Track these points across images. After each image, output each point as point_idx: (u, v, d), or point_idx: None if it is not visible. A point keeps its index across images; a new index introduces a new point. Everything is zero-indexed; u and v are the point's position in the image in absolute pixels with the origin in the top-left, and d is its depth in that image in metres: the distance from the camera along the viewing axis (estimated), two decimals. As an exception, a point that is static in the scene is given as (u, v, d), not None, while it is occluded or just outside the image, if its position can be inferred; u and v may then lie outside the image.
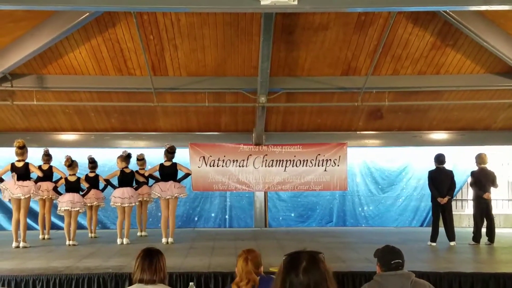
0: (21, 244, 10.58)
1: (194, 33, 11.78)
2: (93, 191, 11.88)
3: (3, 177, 10.86)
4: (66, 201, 11.10)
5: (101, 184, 12.07)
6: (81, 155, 12.73)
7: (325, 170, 14.71)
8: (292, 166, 14.73)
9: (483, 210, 11.25)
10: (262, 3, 6.75)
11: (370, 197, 15.95)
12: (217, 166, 14.63)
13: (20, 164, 10.75)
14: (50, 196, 11.81)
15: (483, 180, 11.28)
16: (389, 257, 4.50)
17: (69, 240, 10.96)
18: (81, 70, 12.71)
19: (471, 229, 11.46)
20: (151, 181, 11.90)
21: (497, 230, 11.44)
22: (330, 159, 14.69)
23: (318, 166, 14.71)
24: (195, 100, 13.69)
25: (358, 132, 15.10)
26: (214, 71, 12.86)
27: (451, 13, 10.84)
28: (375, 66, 12.29)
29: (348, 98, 13.40)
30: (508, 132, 14.90)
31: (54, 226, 13.14)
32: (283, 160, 14.74)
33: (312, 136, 14.94)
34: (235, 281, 4.65)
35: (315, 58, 12.59)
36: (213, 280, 7.50)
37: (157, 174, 11.51)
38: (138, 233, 12.65)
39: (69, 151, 12.31)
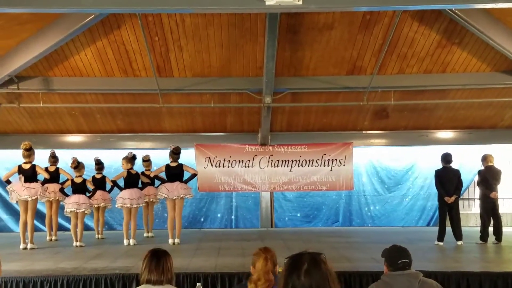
0: (29, 246, 10.59)
1: (199, 34, 11.80)
2: (100, 193, 11.91)
3: (10, 179, 10.90)
4: (72, 203, 11.14)
5: (108, 185, 12.09)
6: (87, 157, 12.77)
7: (331, 170, 14.70)
8: (298, 166, 14.72)
9: (489, 209, 11.22)
10: (267, 3, 6.74)
11: (376, 197, 15.92)
12: (223, 166, 14.64)
13: (27, 166, 10.78)
14: (57, 198, 11.84)
15: (490, 178, 11.25)
16: (397, 256, 4.49)
17: (76, 241, 10.98)
18: (86, 72, 12.75)
19: (478, 228, 11.42)
20: (157, 182, 11.92)
21: (504, 229, 11.40)
22: (336, 159, 14.68)
23: (324, 166, 14.70)
24: (200, 101, 13.70)
25: (363, 132, 15.08)
26: (219, 72, 12.87)
27: (456, 11, 10.82)
28: (380, 65, 12.28)
29: (354, 97, 13.38)
30: (515, 130, 14.87)
31: (61, 228, 13.17)
32: (288, 160, 14.74)
33: (317, 136, 14.93)
34: (253, 280, 4.60)
35: (320, 57, 12.58)
36: (220, 281, 7.49)
37: (163, 175, 11.52)
38: (145, 234, 12.66)
39: (75, 153, 12.35)
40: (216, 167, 14.61)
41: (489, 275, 7.54)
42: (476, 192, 13.73)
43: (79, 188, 11.29)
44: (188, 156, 13.50)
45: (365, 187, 15.91)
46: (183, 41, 12.00)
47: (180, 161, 11.46)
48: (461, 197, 13.49)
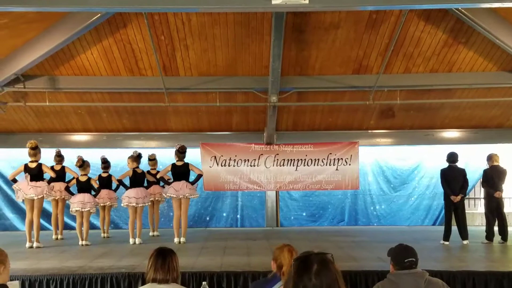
0: (35, 244, 10.64)
1: (205, 33, 11.80)
2: (106, 191, 11.94)
3: (16, 177, 10.93)
4: (77, 202, 11.16)
5: (114, 184, 12.12)
6: (93, 156, 12.80)
7: (336, 169, 14.68)
8: (304, 165, 14.71)
9: (494, 208, 11.21)
10: (273, 2, 6.74)
11: (382, 196, 15.90)
12: (229, 166, 14.64)
13: (33, 165, 10.81)
14: (63, 197, 11.87)
15: (495, 178, 11.22)
16: (403, 255, 4.48)
17: (82, 240, 11.01)
18: (93, 71, 12.77)
19: (484, 228, 11.40)
20: (162, 182, 11.93)
21: (510, 229, 11.37)
22: (342, 158, 14.67)
23: (330, 165, 14.69)
24: (206, 100, 13.71)
25: (369, 131, 15.06)
26: (225, 71, 12.87)
27: (463, 10, 10.79)
28: (386, 65, 12.25)
29: (360, 96, 13.37)
30: (521, 130, 14.82)
31: (67, 226, 13.19)
32: (294, 160, 14.73)
33: (323, 135, 14.92)
34: (285, 271, 4.50)
35: (326, 57, 12.57)
36: (225, 280, 7.50)
37: (169, 174, 11.53)
38: (150, 233, 12.68)
39: (81, 152, 12.38)
40: (221, 166, 14.61)
41: (495, 275, 7.52)
42: (482, 191, 13.69)
43: (84, 187, 11.32)
44: (193, 155, 13.50)
45: (371, 186, 15.89)
46: (189, 40, 12.00)
47: (186, 160, 11.47)
48: (467, 196, 13.48)
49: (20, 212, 14.57)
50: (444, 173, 11.14)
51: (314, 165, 14.70)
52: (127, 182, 11.59)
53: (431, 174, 15.35)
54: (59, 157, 12.08)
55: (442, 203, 12.14)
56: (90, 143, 14.76)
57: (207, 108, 13.97)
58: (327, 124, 14.82)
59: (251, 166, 14.69)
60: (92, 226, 12.80)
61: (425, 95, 13.62)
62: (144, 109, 14.00)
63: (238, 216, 15.73)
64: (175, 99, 13.37)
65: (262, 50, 12.25)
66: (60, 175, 11.69)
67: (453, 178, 11.00)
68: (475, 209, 15.58)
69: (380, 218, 15.82)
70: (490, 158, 11.42)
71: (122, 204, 11.58)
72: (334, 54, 12.52)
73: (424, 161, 15.81)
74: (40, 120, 14.35)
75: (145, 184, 11.75)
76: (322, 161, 14.70)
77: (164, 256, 4.21)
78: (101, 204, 12.08)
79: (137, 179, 11.50)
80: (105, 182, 11.97)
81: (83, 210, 11.11)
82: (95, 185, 11.60)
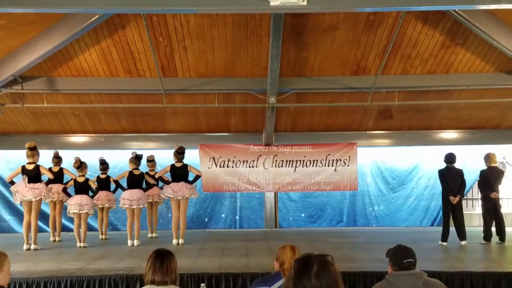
0: (32, 246, 10.60)
1: (204, 34, 11.81)
2: (104, 193, 11.92)
3: (14, 179, 10.91)
4: (74, 204, 11.11)
5: (112, 185, 12.10)
6: (91, 157, 12.78)
7: (335, 170, 14.69)
8: (302, 167, 14.72)
9: (491, 209, 11.21)
10: (271, 3, 6.74)
11: (381, 197, 15.92)
12: (227, 167, 14.64)
13: (31, 167, 10.78)
14: (61, 198, 11.83)
15: (492, 179, 11.23)
16: (401, 256, 4.48)
17: (80, 242, 10.98)
18: (91, 72, 12.76)
19: (482, 228, 11.41)
20: (161, 183, 11.92)
21: (508, 229, 11.38)
22: (340, 159, 14.67)
23: (328, 166, 14.70)
24: (204, 101, 13.71)
25: (368, 132, 15.08)
26: (224, 72, 12.88)
27: (460, 12, 10.81)
28: (384, 66, 12.27)
29: (358, 98, 13.38)
30: (518, 131, 14.85)
31: (65, 228, 13.17)
32: (293, 161, 14.74)
33: (322, 136, 14.94)
34: (285, 268, 4.55)
35: (325, 58, 12.58)
36: (224, 281, 7.49)
37: (168, 175, 11.52)
38: (149, 235, 12.66)
39: (79, 153, 12.37)
40: (220, 167, 14.61)
41: (493, 275, 7.52)
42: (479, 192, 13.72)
43: (82, 188, 11.28)
44: (192, 156, 13.50)
45: (369, 187, 15.92)
46: (187, 41, 12.01)
47: (184, 161, 11.47)
48: (465, 197, 13.49)
49: (17, 214, 14.56)
50: (442, 174, 11.17)
51: (312, 166, 14.70)
52: (124, 183, 11.56)
53: (429, 175, 15.38)
54: (57, 159, 12.06)
55: (440, 204, 12.16)
56: (88, 145, 14.75)
57: (206, 109, 13.97)
58: (325, 125, 14.83)
59: (249, 167, 14.69)
60: (90, 228, 12.78)
61: (423, 96, 13.64)
62: (142, 110, 14.00)
63: (237, 217, 15.75)
64: (173, 100, 13.37)
65: (261, 51, 12.26)
66: (58, 176, 11.66)
67: (450, 179, 11.02)
68: (473, 210, 15.61)
69: (378, 219, 15.84)
70: (488, 158, 11.41)
71: (119, 206, 11.58)
72: (332, 55, 12.53)
73: (422, 162, 15.84)
74: (38, 121, 14.34)
75: (144, 185, 11.72)
76: (321, 162, 14.70)
77: (162, 258, 4.21)
78: (100, 206, 12.06)
79: (133, 181, 11.43)
80: (104, 183, 11.94)
81: (80, 212, 11.08)
82: (93, 186, 11.56)
